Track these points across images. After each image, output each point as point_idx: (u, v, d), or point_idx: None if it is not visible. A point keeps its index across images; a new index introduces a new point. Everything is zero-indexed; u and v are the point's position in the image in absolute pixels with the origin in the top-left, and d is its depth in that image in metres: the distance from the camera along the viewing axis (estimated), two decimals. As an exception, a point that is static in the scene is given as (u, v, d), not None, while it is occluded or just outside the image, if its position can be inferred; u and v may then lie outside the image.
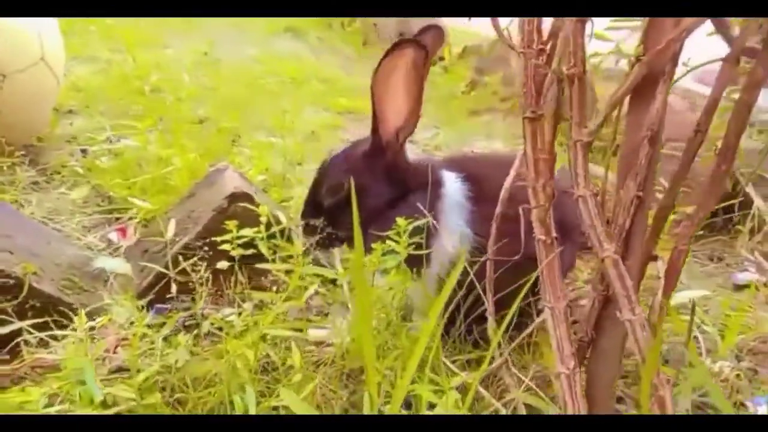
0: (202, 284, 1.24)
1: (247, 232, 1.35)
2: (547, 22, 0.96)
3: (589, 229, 0.86)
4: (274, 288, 1.42)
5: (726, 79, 0.83)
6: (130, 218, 1.72)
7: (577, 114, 0.87)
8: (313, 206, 1.28)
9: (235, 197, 1.44)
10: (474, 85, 3.51)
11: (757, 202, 2.20)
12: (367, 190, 1.22)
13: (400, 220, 1.11)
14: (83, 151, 2.05)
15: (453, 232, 1.23)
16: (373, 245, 1.10)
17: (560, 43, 0.89)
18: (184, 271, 1.37)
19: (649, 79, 0.81)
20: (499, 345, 1.12)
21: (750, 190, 2.28)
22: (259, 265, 1.13)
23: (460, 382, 1.01)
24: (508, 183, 1.11)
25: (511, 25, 1.22)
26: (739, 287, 1.99)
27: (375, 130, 1.21)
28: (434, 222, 1.20)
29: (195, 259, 1.38)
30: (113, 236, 1.69)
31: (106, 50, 3.51)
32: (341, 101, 3.36)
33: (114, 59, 3.30)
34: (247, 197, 1.45)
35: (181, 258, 1.37)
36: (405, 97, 1.14)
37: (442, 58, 3.90)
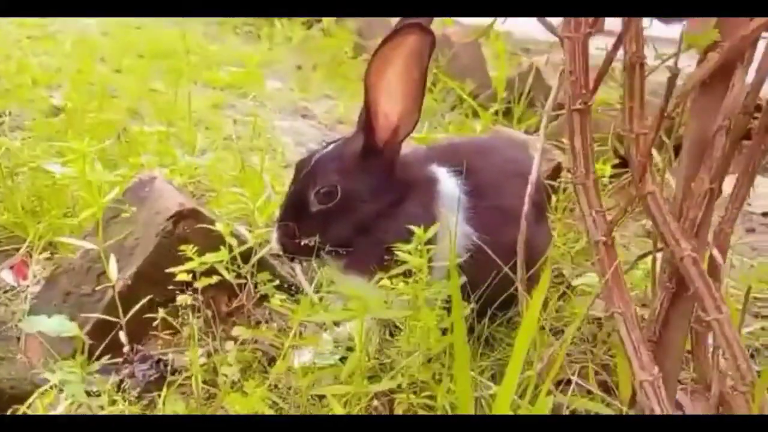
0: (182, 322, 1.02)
1: (210, 257, 1.15)
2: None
3: (662, 227, 0.80)
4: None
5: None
6: (29, 250, 1.38)
7: (638, 105, 0.80)
8: (296, 210, 1.10)
9: (181, 216, 1.20)
10: (360, 49, 3.35)
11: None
12: (364, 194, 1.07)
13: (417, 230, 0.98)
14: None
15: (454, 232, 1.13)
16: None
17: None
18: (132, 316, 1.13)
19: (721, 66, 0.76)
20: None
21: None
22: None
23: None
24: (533, 177, 1.03)
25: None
26: (650, 233, 2.12)
27: (369, 127, 1.05)
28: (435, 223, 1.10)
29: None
30: (7, 276, 1.36)
31: None
32: (220, 75, 3.02)
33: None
34: (196, 215, 1.22)
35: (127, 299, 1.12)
36: (406, 90, 1.00)
37: (319, 20, 3.67)
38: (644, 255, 0.95)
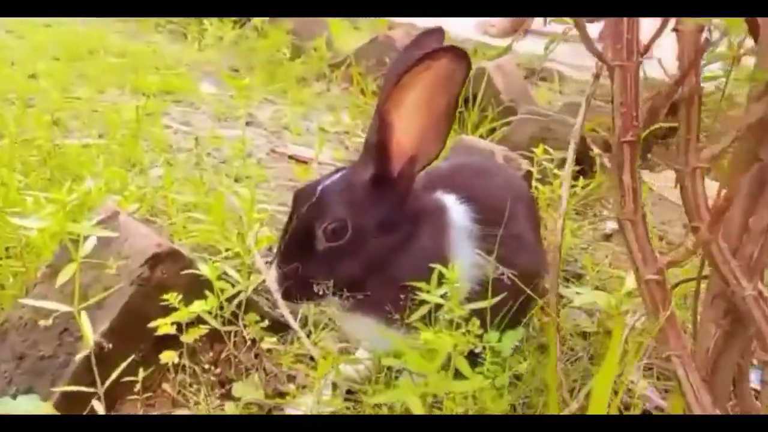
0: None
1: (200, 305, 1.01)
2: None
3: (722, 265, 0.77)
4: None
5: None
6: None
7: (694, 138, 0.75)
8: (299, 249, 0.98)
9: (159, 259, 1.04)
10: (298, 50, 3.19)
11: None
12: (375, 229, 0.98)
13: (444, 270, 0.90)
14: None
15: (466, 262, 1.06)
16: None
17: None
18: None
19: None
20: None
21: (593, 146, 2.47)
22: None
23: None
24: (562, 208, 0.97)
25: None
26: (607, 236, 2.14)
27: (381, 155, 0.95)
28: (447, 255, 1.03)
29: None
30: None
31: None
32: (151, 80, 2.77)
33: None
34: (175, 256, 1.07)
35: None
36: (428, 119, 0.91)
37: (249, 19, 3.46)
38: (679, 283, 0.91)
